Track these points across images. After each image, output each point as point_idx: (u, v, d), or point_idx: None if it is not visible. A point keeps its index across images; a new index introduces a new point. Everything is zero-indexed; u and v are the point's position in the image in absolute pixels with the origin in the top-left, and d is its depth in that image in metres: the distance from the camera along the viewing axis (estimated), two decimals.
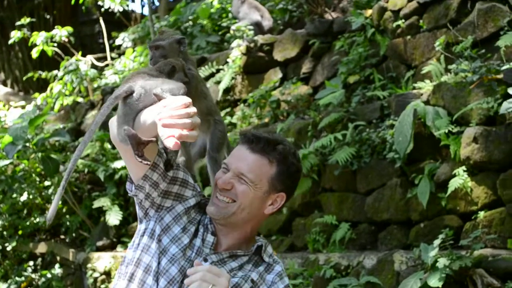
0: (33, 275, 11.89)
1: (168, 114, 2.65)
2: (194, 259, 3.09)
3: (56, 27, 13.64)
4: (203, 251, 3.12)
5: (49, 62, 15.51)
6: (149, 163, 2.93)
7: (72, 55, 13.80)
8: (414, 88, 8.11)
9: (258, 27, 11.31)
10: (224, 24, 12.50)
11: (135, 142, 2.86)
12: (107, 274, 10.45)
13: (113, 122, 2.99)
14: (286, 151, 3.14)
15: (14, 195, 11.74)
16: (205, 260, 3.09)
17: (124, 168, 10.90)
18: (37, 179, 11.77)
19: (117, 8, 14.15)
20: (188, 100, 2.68)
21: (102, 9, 14.95)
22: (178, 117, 2.63)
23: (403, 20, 8.69)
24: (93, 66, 14.16)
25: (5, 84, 18.34)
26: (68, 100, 13.07)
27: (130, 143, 2.85)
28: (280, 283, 3.18)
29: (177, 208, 3.16)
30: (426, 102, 7.49)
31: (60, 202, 11.59)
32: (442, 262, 6.28)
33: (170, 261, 3.06)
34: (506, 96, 6.59)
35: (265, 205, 3.14)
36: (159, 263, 3.07)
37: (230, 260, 3.15)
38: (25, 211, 12.06)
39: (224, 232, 3.17)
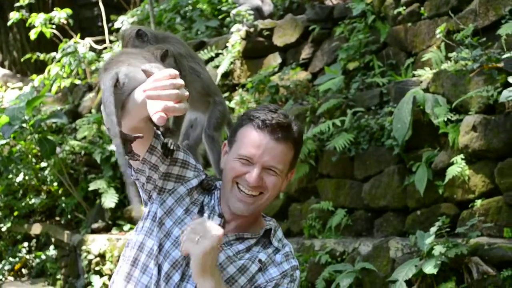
0: (27, 256, 11.93)
1: (152, 86, 2.55)
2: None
3: (55, 9, 13.59)
4: None
5: (47, 44, 15.45)
6: (139, 159, 2.88)
7: (70, 37, 13.75)
8: (413, 75, 8.09)
9: (258, 12, 11.25)
10: (224, 9, 12.46)
11: (121, 140, 2.75)
12: (102, 256, 10.44)
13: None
14: (300, 130, 3.12)
15: (10, 176, 11.75)
16: None
17: None
18: (34, 160, 11.77)
19: None
20: (174, 72, 2.57)
21: None
22: (162, 88, 2.53)
23: (404, 7, 8.66)
24: (92, 48, 14.09)
25: (2, 66, 18.27)
26: (65, 82, 13.03)
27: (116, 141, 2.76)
28: (285, 264, 3.13)
29: (179, 190, 3.11)
30: (426, 90, 7.46)
31: (55, 184, 11.61)
32: (438, 249, 6.27)
33: (173, 244, 3.03)
34: (506, 85, 6.57)
35: (283, 185, 3.14)
36: (162, 246, 3.04)
37: (237, 242, 3.11)
38: (20, 192, 12.05)
39: (235, 216, 3.13)
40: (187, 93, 2.57)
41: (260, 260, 3.09)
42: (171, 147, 3.07)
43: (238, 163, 3.03)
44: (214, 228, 2.87)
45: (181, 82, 2.57)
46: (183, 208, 3.10)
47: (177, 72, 2.59)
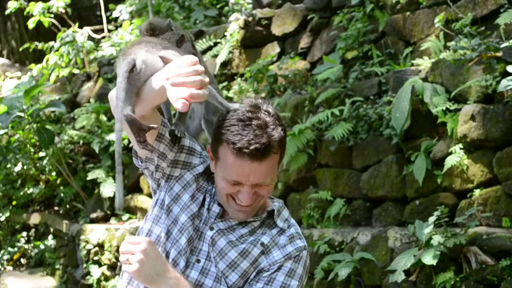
0: (26, 246, 11.94)
1: (176, 73, 2.56)
2: (202, 229, 3.06)
3: None
4: (209, 220, 3.08)
5: (45, 33, 15.45)
6: (152, 149, 2.89)
7: (69, 26, 13.74)
8: (412, 64, 8.07)
9: (256, 1, 11.24)
10: None
11: (136, 128, 2.76)
12: (100, 246, 10.45)
13: (113, 95, 2.89)
14: (279, 132, 2.95)
15: (9, 166, 11.74)
16: (211, 228, 3.05)
17: None
18: (32, 150, 11.76)
19: None
20: (194, 58, 2.59)
21: None
22: (186, 75, 2.55)
23: None
24: (90, 38, 14.10)
25: (1, 55, 18.27)
26: (64, 72, 13.02)
27: (131, 129, 2.77)
28: (290, 246, 3.08)
29: (185, 176, 3.11)
30: (424, 79, 7.44)
31: (54, 174, 11.61)
32: (437, 239, 6.26)
33: (179, 231, 3.03)
34: (505, 74, 6.55)
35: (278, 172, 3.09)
36: (171, 233, 3.04)
37: (240, 226, 3.09)
38: (19, 182, 12.04)
39: None
40: (207, 79, 2.59)
41: (262, 243, 3.06)
42: (178, 135, 3.07)
43: (227, 183, 2.98)
44: (138, 241, 2.85)
45: (202, 68, 2.58)
46: (189, 194, 3.09)
47: (197, 59, 2.60)
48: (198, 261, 3.03)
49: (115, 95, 2.75)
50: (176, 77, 2.56)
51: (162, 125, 3.00)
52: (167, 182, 3.11)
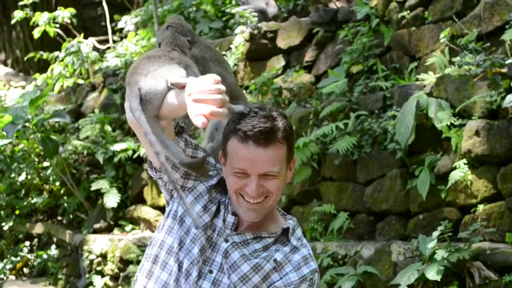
0: (29, 256, 11.94)
1: (199, 90, 2.64)
2: (216, 240, 3.08)
3: (58, 8, 13.60)
4: (224, 232, 3.10)
5: (50, 43, 15.46)
6: (205, 175, 3.08)
7: (74, 37, 13.75)
8: (417, 79, 8.10)
9: (262, 14, 11.26)
10: (228, 10, 12.46)
11: (196, 168, 2.98)
12: (103, 256, 10.46)
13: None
14: (285, 123, 3.03)
15: (12, 175, 11.75)
16: (226, 240, 3.07)
17: (123, 151, 10.92)
18: (36, 159, 11.77)
19: None
20: (217, 77, 2.67)
21: None
22: (208, 93, 2.63)
23: (408, 11, 8.66)
24: (95, 48, 14.11)
25: (5, 64, 18.29)
26: (68, 82, 13.03)
27: (193, 171, 3.00)
28: (305, 268, 3.09)
29: (198, 188, 3.14)
30: (429, 94, 7.46)
31: (58, 184, 11.63)
32: (440, 254, 6.28)
33: (192, 241, 3.06)
34: (510, 90, 6.58)
35: (288, 178, 3.12)
36: (184, 243, 3.07)
37: (254, 241, 3.11)
38: (23, 191, 12.06)
39: None
40: (228, 98, 2.67)
41: (275, 260, 3.08)
42: (183, 125, 3.14)
43: (235, 177, 3.02)
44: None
45: (224, 87, 2.66)
46: (201, 205, 3.12)
47: (219, 78, 2.68)
48: (211, 271, 3.05)
49: (143, 131, 2.83)
50: (198, 93, 2.63)
51: (176, 135, 3.06)
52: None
